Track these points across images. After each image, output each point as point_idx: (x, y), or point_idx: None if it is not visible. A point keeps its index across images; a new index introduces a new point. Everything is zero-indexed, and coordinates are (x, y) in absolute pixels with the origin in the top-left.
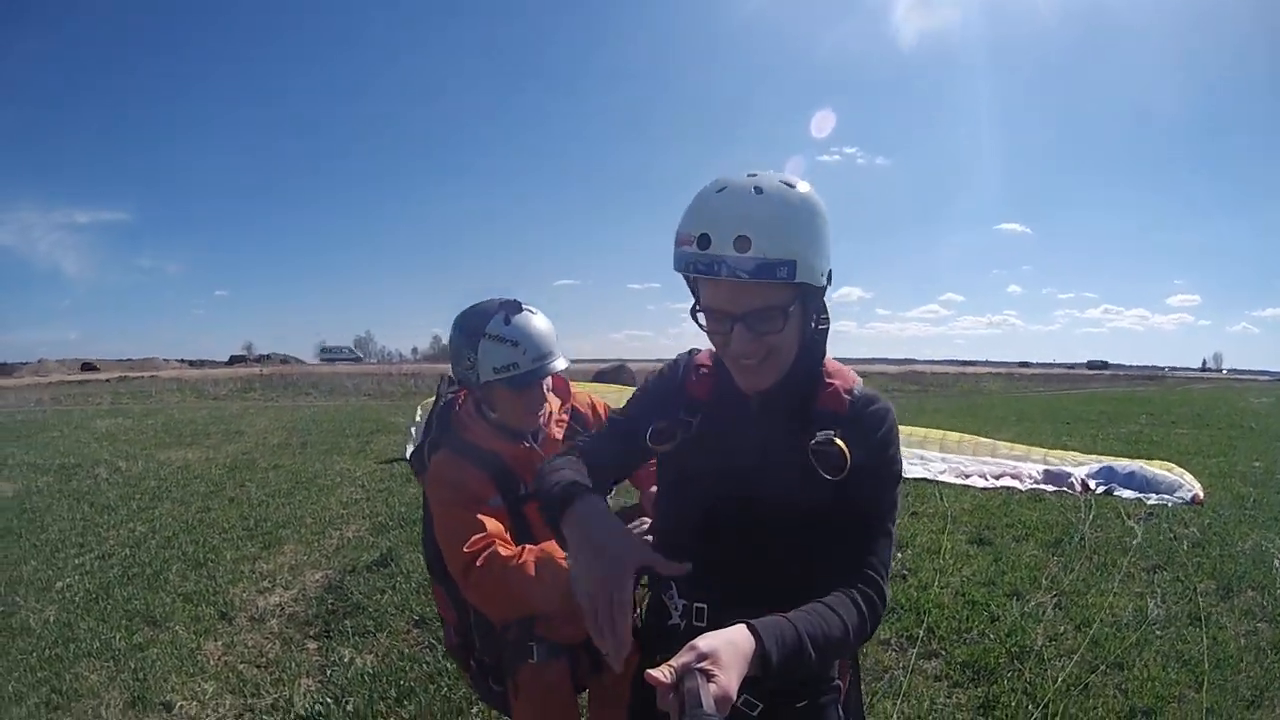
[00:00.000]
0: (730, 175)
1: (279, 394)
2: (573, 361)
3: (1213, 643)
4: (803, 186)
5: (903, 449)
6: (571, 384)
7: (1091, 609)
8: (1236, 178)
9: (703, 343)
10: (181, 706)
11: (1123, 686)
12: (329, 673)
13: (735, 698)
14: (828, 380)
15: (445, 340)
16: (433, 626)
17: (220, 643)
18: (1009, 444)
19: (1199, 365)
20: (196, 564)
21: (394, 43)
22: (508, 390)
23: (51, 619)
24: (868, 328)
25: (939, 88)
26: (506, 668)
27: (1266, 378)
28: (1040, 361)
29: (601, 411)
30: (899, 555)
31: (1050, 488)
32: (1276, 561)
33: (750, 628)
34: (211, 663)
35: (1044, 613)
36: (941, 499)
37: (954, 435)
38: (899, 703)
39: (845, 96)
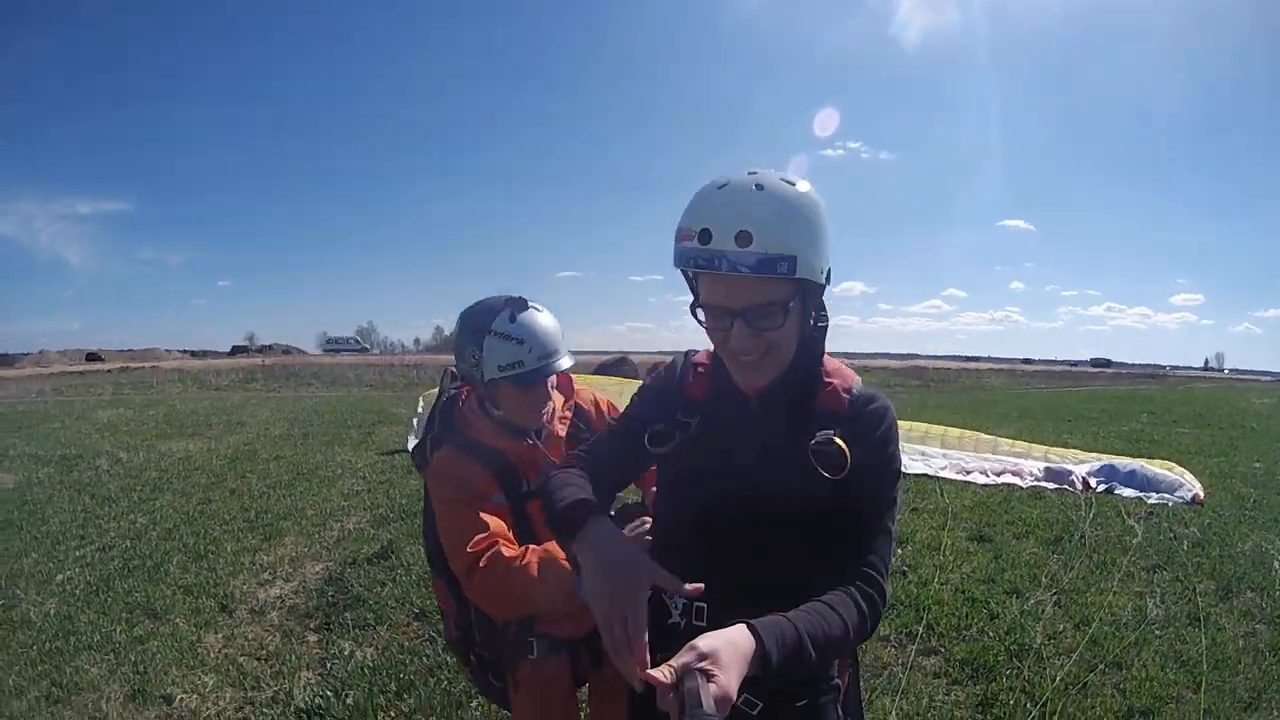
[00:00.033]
0: (731, 173)
1: (281, 385)
2: (574, 353)
3: (1211, 644)
4: (803, 185)
5: (904, 444)
6: (575, 380)
7: (1091, 608)
8: (1240, 178)
9: (703, 340)
10: (182, 699)
11: (1121, 686)
12: (329, 666)
13: (735, 698)
14: (826, 379)
15: (448, 331)
16: (433, 620)
17: (221, 635)
18: (1010, 441)
19: (1201, 365)
20: (197, 556)
21: (396, 38)
22: (513, 388)
23: (52, 612)
24: (870, 322)
25: (944, 83)
26: (506, 663)
27: (1268, 378)
28: (1043, 358)
29: (605, 409)
30: (899, 551)
31: (1051, 485)
32: (1276, 563)
33: (750, 628)
34: (212, 655)
35: (1043, 611)
36: (942, 495)
37: (955, 431)
38: (897, 699)
39: (850, 91)
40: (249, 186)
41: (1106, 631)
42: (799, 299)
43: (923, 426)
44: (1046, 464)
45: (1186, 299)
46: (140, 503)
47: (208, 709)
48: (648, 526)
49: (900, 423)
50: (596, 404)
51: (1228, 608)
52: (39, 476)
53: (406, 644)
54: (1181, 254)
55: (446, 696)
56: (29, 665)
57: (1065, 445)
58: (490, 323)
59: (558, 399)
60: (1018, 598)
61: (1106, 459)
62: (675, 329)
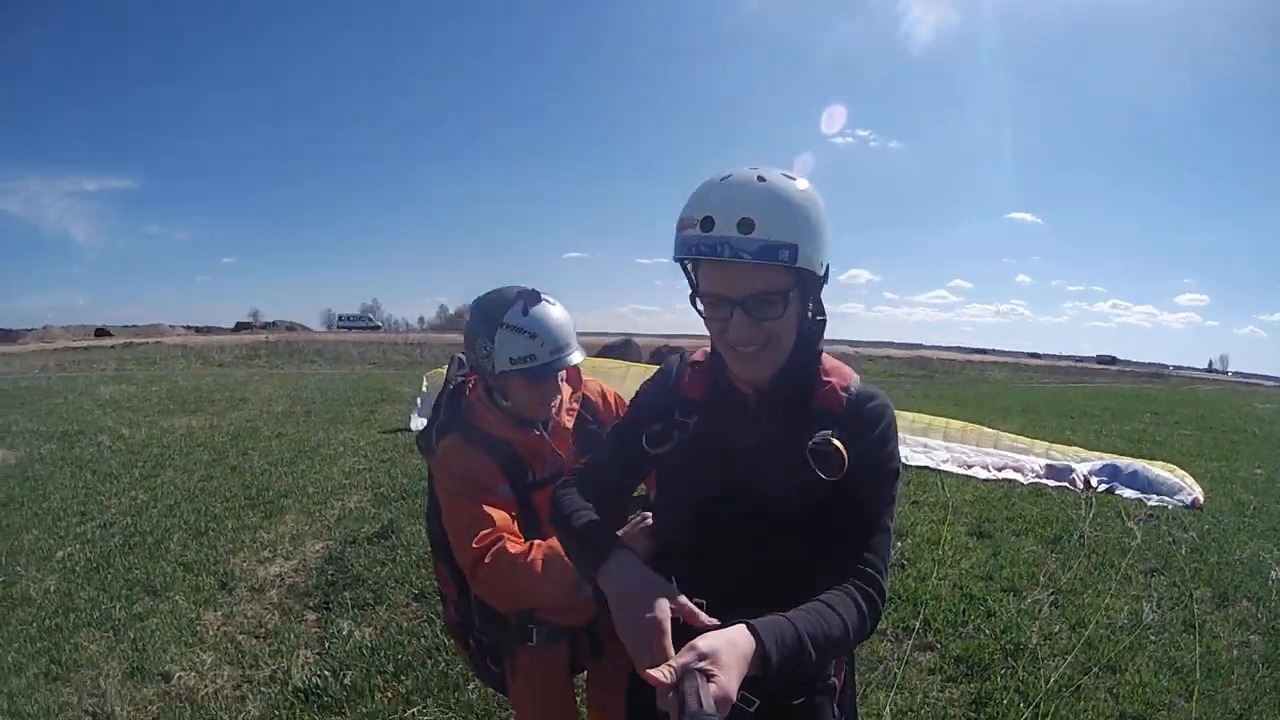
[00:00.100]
0: (733, 168)
1: (284, 361)
2: (578, 334)
3: (1205, 652)
4: (803, 183)
5: (906, 436)
6: (583, 372)
7: (1087, 609)
8: (1249, 180)
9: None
10: (180, 677)
11: (1114, 690)
12: (327, 645)
13: (735, 698)
14: (825, 378)
15: (452, 310)
16: (431, 601)
17: (220, 613)
18: (1012, 436)
19: (1204, 365)
20: (197, 533)
21: (403, 19)
22: (523, 381)
23: (52, 588)
24: (875, 311)
25: (955, 74)
26: (505, 649)
27: (1271, 383)
28: (1050, 353)
29: (612, 401)
30: (898, 544)
31: (1052, 483)
32: (1273, 573)
33: (750, 628)
34: (210, 633)
35: (1040, 610)
36: (943, 488)
37: (957, 424)
38: (892, 695)
39: (860, 80)
40: (255, 165)
41: (1102, 634)
42: (798, 290)
43: (925, 418)
44: (1048, 461)
45: (1192, 299)
46: (141, 479)
47: (205, 687)
48: (649, 522)
49: (903, 414)
50: (604, 395)
51: (1223, 616)
52: (40, 453)
53: (405, 625)
54: (1188, 254)
55: (444, 679)
56: (28, 642)
57: (1067, 442)
58: (503, 315)
59: (565, 390)
60: (1015, 596)
61: (1109, 458)
62: (680, 312)
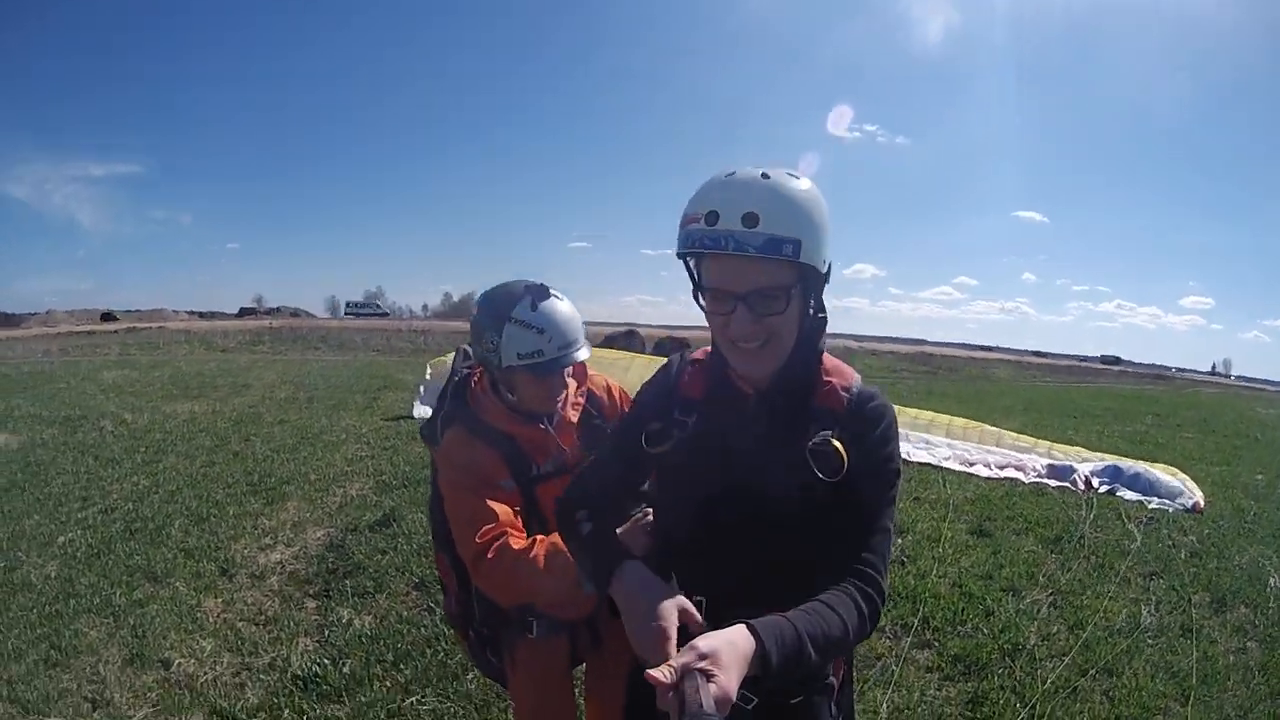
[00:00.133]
0: (736, 167)
1: (288, 347)
2: (582, 323)
3: (1202, 657)
4: (806, 181)
5: (909, 432)
6: (588, 366)
7: (1086, 611)
8: (1256, 184)
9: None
10: (180, 664)
11: (1110, 693)
12: (327, 633)
13: (735, 698)
14: (826, 378)
15: (456, 298)
16: (432, 590)
17: (220, 600)
18: (1015, 434)
19: (1208, 369)
20: (199, 519)
21: (410, 5)
22: (530, 376)
23: (53, 574)
24: (880, 305)
25: (964, 70)
26: (505, 641)
27: (1274, 388)
28: (1053, 352)
29: (617, 395)
30: (898, 541)
31: (1053, 482)
32: (1272, 580)
33: (750, 628)
34: (211, 620)
35: (1039, 611)
36: (945, 486)
37: (960, 421)
38: (889, 692)
39: (867, 76)
40: (260, 151)
41: (1099, 636)
42: (800, 287)
43: (928, 415)
44: (1050, 460)
45: (1197, 301)
46: (143, 465)
47: (205, 674)
48: (649, 520)
49: (906, 410)
50: (609, 390)
51: (1221, 621)
52: (43, 438)
53: (405, 614)
54: (1194, 257)
55: (443, 668)
56: (29, 628)
57: (1070, 442)
58: (511, 310)
59: (571, 384)
60: (1014, 596)
61: (1111, 459)
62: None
